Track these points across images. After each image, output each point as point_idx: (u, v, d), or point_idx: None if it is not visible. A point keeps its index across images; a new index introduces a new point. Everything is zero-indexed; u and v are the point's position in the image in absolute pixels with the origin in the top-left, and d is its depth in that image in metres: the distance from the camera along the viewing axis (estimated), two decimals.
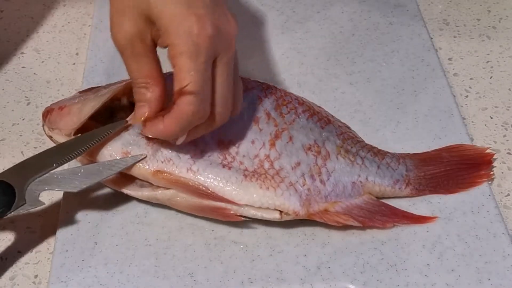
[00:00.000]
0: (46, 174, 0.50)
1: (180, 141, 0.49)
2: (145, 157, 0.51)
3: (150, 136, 0.50)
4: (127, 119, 0.52)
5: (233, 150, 0.52)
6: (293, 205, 0.51)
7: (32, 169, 0.50)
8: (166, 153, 0.52)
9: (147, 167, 0.52)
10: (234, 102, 0.50)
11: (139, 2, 0.46)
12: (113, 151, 0.52)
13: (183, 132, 0.48)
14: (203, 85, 0.46)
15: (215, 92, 0.48)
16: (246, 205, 0.51)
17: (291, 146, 0.53)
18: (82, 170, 0.51)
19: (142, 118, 0.49)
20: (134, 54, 0.47)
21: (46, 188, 0.50)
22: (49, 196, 0.56)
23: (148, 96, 0.48)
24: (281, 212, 0.52)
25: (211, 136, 0.53)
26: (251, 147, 0.53)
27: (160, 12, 0.45)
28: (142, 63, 0.48)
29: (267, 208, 0.51)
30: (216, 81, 0.47)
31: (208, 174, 0.51)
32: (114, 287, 0.49)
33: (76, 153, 0.51)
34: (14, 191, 0.49)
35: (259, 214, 0.51)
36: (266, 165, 0.52)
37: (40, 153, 0.52)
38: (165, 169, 0.52)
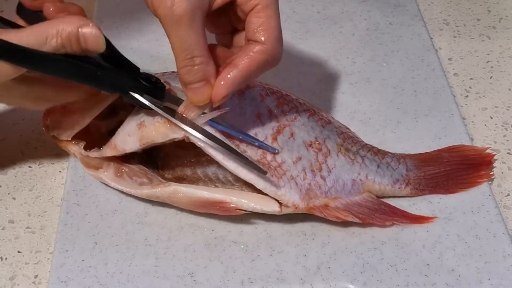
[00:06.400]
0: None
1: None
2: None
3: (221, 98, 0.47)
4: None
5: (237, 138, 0.52)
6: (293, 198, 0.51)
7: None
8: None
9: (161, 120, 0.51)
10: None
11: None
12: (130, 131, 0.52)
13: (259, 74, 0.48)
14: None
15: None
16: (248, 193, 0.51)
17: (293, 141, 0.54)
18: None
19: (205, 100, 0.48)
20: (194, 25, 0.44)
21: None
22: (49, 196, 0.57)
23: (208, 71, 0.46)
24: (280, 205, 0.51)
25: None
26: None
27: None
28: (201, 34, 0.45)
29: (267, 196, 0.51)
30: None
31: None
32: (114, 287, 0.49)
33: None
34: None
35: (258, 207, 0.51)
36: (269, 157, 0.52)
37: None
38: None
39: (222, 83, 0.47)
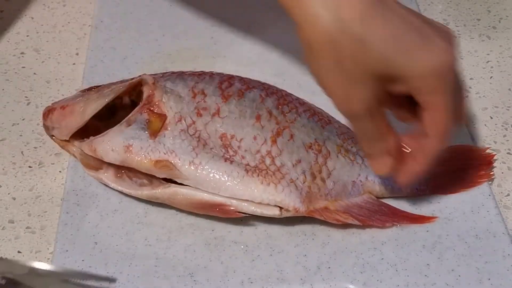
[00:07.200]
0: None
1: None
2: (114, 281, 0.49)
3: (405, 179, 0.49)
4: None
5: (235, 144, 0.53)
6: (293, 202, 0.51)
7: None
8: (168, 145, 0.52)
9: (149, 157, 0.52)
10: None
11: (364, 61, 0.43)
12: (115, 146, 0.52)
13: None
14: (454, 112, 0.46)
15: None
16: (247, 200, 0.51)
17: (292, 143, 0.54)
18: None
19: (388, 170, 0.49)
20: (371, 116, 0.46)
21: None
22: (49, 196, 0.57)
23: (386, 146, 0.48)
24: (281, 208, 0.52)
25: (214, 130, 0.53)
26: (253, 142, 0.53)
27: (395, 61, 0.43)
28: (378, 121, 0.46)
29: (268, 204, 0.51)
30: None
31: (210, 167, 0.51)
32: (114, 287, 0.49)
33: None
34: None
35: (259, 211, 0.52)
36: (268, 161, 0.52)
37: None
38: (167, 159, 0.52)
39: (404, 174, 0.49)
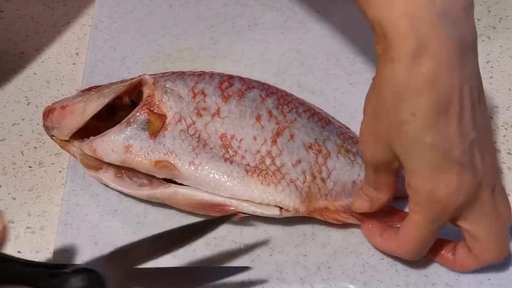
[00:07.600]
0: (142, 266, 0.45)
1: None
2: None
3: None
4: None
5: (235, 144, 0.53)
6: (293, 202, 0.51)
7: (127, 259, 0.45)
8: (168, 145, 0.52)
9: (149, 157, 0.52)
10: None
11: (390, 138, 0.44)
12: (115, 146, 0.52)
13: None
14: (428, 241, 0.48)
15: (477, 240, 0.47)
16: (247, 200, 0.51)
17: (292, 143, 0.54)
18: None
19: (362, 211, 0.51)
20: (376, 169, 0.47)
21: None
22: (49, 196, 0.57)
23: (375, 196, 0.49)
24: (281, 208, 0.52)
25: (214, 130, 0.53)
26: (253, 142, 0.53)
27: (407, 164, 0.44)
28: (381, 176, 0.48)
29: (268, 205, 0.51)
30: (474, 230, 0.47)
31: (210, 168, 0.52)
32: None
33: (178, 245, 0.46)
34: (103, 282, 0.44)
35: (259, 211, 0.52)
36: (268, 161, 0.52)
37: (135, 242, 0.46)
38: (167, 159, 0.52)
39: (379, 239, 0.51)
